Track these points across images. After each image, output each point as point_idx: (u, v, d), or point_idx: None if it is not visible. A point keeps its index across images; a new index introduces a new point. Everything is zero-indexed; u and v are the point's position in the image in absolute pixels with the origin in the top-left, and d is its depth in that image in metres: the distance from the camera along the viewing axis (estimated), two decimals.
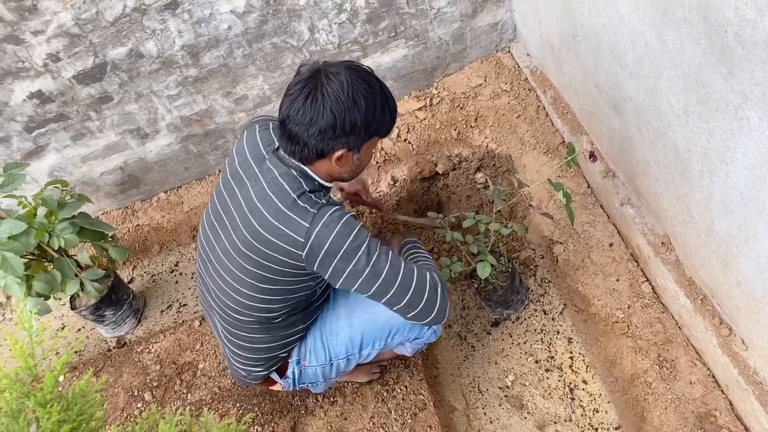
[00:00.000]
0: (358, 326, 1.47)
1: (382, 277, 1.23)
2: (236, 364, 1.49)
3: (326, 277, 1.25)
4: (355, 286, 1.24)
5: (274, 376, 1.52)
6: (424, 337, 1.53)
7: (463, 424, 1.80)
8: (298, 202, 1.20)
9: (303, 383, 1.56)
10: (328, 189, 1.34)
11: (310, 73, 1.18)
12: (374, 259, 1.22)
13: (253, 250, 1.25)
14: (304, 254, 1.20)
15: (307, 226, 1.18)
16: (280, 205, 1.21)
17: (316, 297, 1.44)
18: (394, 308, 1.28)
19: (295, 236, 1.19)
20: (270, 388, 1.66)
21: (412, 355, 1.65)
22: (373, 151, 1.30)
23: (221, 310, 1.41)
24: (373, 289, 1.24)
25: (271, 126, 1.35)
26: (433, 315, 1.30)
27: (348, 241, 1.20)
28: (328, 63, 1.20)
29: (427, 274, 1.30)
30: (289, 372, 1.52)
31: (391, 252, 1.27)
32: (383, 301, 1.26)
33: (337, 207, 1.23)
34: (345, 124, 1.16)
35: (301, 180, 1.25)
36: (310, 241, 1.18)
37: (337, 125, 1.15)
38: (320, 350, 1.48)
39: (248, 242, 1.25)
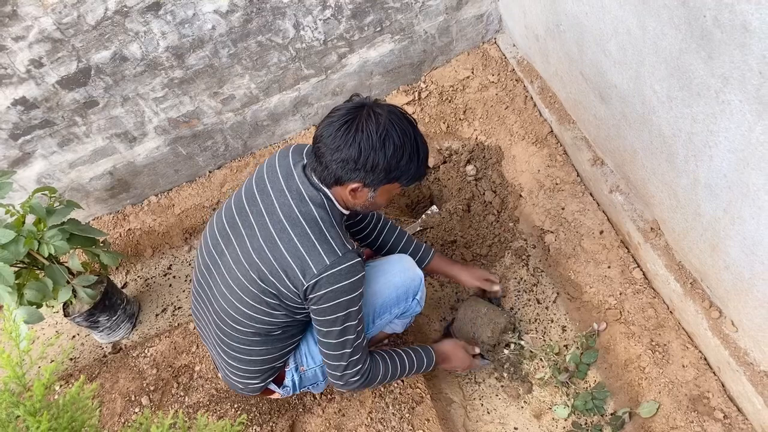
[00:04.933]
0: None
1: (341, 340, 1.32)
2: (232, 376, 1.48)
3: (307, 306, 1.31)
4: (318, 329, 1.32)
5: (272, 386, 1.52)
6: (410, 311, 1.55)
7: (461, 415, 1.82)
8: (327, 235, 1.25)
9: (304, 387, 1.56)
10: (345, 216, 1.38)
11: (357, 105, 1.22)
12: (349, 324, 1.30)
13: (265, 262, 1.26)
14: (306, 285, 1.24)
15: (327, 263, 1.22)
16: (307, 229, 1.24)
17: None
18: (324, 357, 1.37)
19: (312, 265, 1.22)
20: (267, 397, 1.65)
21: (403, 330, 1.69)
22: (393, 195, 1.36)
23: (219, 319, 1.39)
24: (327, 340, 1.32)
25: (305, 149, 1.38)
26: (337, 384, 1.41)
27: (345, 299, 1.26)
28: (377, 102, 1.24)
29: (363, 373, 1.39)
30: (287, 380, 1.51)
31: (361, 330, 1.36)
32: (323, 348, 1.35)
33: (359, 259, 1.27)
34: (367, 162, 1.19)
35: (327, 206, 1.28)
36: (320, 277, 1.22)
37: (360, 160, 1.19)
38: (315, 350, 1.48)
39: (263, 253, 1.27)
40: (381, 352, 1.48)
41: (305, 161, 1.32)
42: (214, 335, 1.46)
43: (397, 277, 1.50)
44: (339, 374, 1.37)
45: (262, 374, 1.46)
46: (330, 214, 1.28)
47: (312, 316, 1.33)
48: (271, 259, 1.25)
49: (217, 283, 1.38)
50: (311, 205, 1.26)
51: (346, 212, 1.36)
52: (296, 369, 1.50)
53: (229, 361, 1.44)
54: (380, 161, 1.19)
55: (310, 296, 1.26)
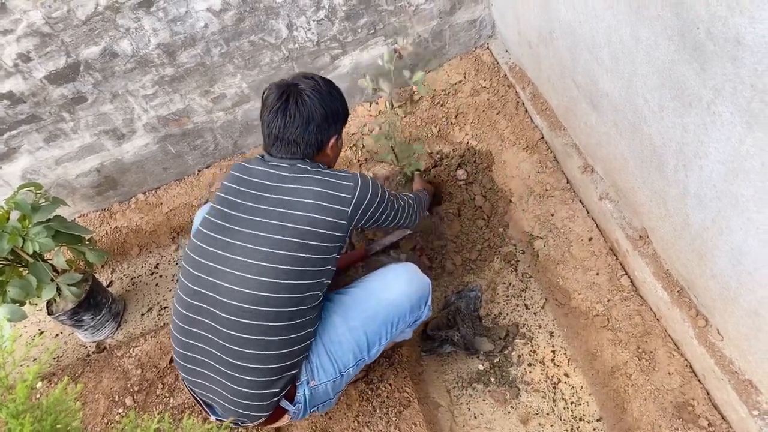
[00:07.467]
0: (360, 328, 1.42)
1: (405, 212, 1.59)
2: (244, 390, 1.31)
3: (363, 222, 1.44)
4: (387, 222, 1.53)
5: (284, 402, 1.38)
6: (422, 317, 1.57)
7: (448, 420, 1.81)
8: (329, 172, 1.39)
9: (314, 405, 1.44)
10: None
11: (282, 88, 1.37)
12: (395, 201, 1.54)
13: (297, 220, 1.30)
14: (349, 210, 1.35)
15: (351, 185, 1.37)
16: (314, 176, 1.35)
17: (325, 291, 1.40)
18: (400, 224, 1.61)
19: (344, 195, 1.35)
20: (275, 425, 1.47)
21: (411, 335, 1.70)
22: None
23: (229, 325, 1.28)
24: (396, 220, 1.56)
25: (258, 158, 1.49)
26: (415, 224, 1.71)
27: (380, 194, 1.44)
28: (285, 79, 1.41)
29: (417, 202, 1.69)
30: (299, 395, 1.39)
31: (399, 194, 1.61)
32: (399, 224, 1.60)
33: (361, 173, 1.47)
34: (333, 113, 1.39)
35: (317, 164, 1.42)
36: (356, 196, 1.36)
37: (328, 115, 1.38)
38: (327, 364, 1.39)
39: (293, 215, 1.30)
40: (405, 195, 1.69)
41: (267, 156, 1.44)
42: (217, 354, 1.31)
43: (411, 286, 1.49)
44: (414, 220, 1.68)
45: (279, 375, 1.33)
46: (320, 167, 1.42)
47: (369, 225, 1.48)
48: (302, 214, 1.30)
49: (226, 279, 1.28)
50: (300, 165, 1.37)
51: None
52: (307, 383, 1.39)
53: (241, 377, 1.30)
54: (338, 107, 1.41)
55: (356, 215, 1.38)
